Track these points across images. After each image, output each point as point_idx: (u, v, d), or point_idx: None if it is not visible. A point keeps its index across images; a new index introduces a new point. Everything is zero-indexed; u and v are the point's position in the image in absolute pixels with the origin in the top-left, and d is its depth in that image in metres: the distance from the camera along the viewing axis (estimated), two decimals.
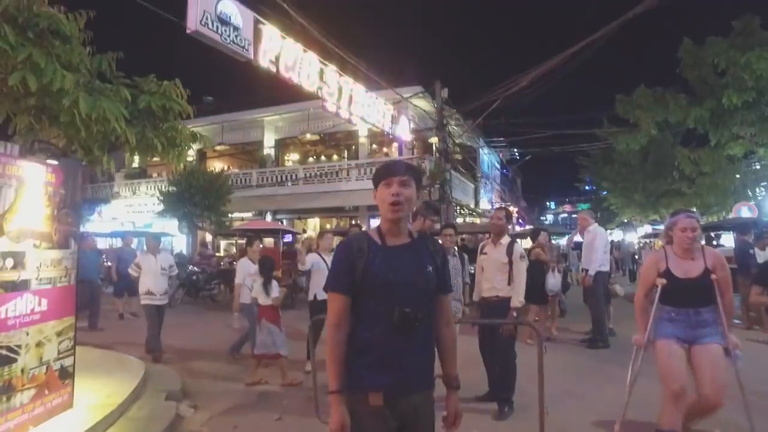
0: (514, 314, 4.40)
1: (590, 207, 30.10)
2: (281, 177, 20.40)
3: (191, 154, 22.40)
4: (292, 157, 23.22)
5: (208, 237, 20.04)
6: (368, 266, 1.81)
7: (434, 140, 16.87)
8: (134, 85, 5.91)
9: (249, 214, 21.14)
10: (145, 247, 8.23)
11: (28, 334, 3.48)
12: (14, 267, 3.35)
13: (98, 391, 4.37)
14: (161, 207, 18.21)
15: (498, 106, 13.43)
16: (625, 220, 27.64)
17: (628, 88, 15.30)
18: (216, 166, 22.80)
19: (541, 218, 43.31)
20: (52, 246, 3.69)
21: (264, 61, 8.46)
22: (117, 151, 6.24)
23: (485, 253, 4.67)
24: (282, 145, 22.21)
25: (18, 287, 3.39)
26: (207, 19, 7.07)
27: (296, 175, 20.15)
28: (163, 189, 18.18)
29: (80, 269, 8.53)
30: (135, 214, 21.85)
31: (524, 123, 17.62)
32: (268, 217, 20.62)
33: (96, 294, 9.20)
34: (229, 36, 7.53)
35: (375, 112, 12.59)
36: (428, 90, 16.50)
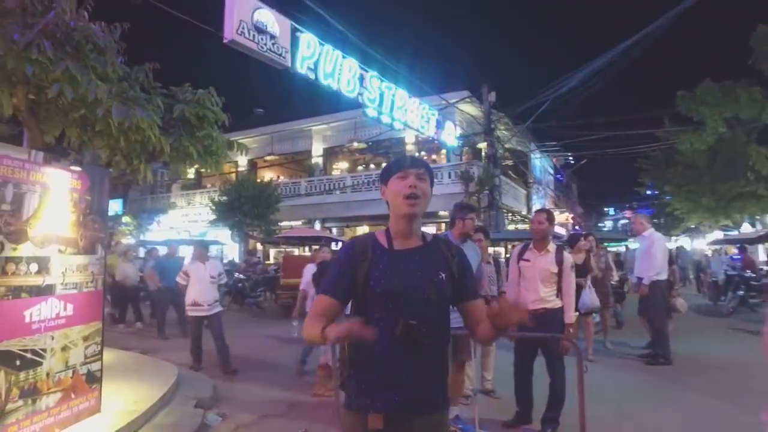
0: (571, 330, 4.07)
1: (653, 212, 28.36)
2: (329, 185, 20.59)
3: (242, 164, 23.16)
4: (340, 166, 23.41)
5: (259, 245, 20.51)
6: (371, 272, 1.64)
7: (483, 146, 16.44)
8: (170, 94, 6.04)
9: (298, 223, 21.46)
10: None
11: (53, 338, 3.52)
12: (38, 272, 3.39)
13: (128, 396, 4.39)
14: (214, 216, 18.81)
15: (549, 107, 12.89)
16: (692, 226, 25.71)
17: (691, 83, 14.16)
18: (267, 175, 23.41)
19: (599, 225, 40.96)
20: (78, 251, 3.72)
21: (302, 69, 8.50)
22: (156, 160, 6.38)
23: (527, 260, 4.28)
24: (330, 154, 22.44)
25: (43, 292, 3.43)
26: (243, 28, 7.17)
27: (344, 184, 20.28)
28: (215, 199, 18.78)
29: (164, 276, 8.93)
30: (190, 224, 22.73)
31: (577, 125, 16.79)
32: (317, 226, 20.85)
33: (179, 302, 8.37)
34: (265, 44, 7.60)
35: (418, 117, 12.39)
36: (476, 94, 16.15)
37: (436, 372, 1.66)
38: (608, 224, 49.98)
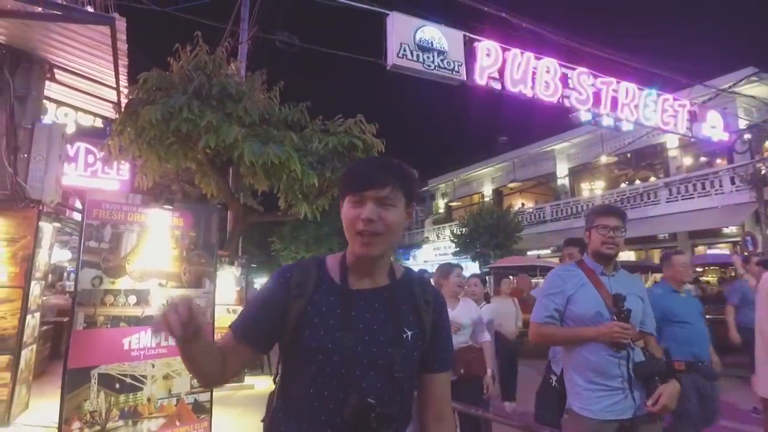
0: None
1: None
2: (576, 208, 18.34)
3: (487, 194, 22.92)
4: (589, 185, 20.72)
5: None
6: (309, 317, 1.14)
7: None
8: (325, 129, 6.22)
9: (547, 251, 19.73)
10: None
11: (153, 366, 3.76)
12: (137, 303, 3.70)
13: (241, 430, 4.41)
14: (457, 249, 18.93)
15: None
16: None
17: None
18: (514, 203, 22.60)
19: None
20: (181, 285, 3.95)
21: (482, 80, 7.72)
22: (324, 196, 6.56)
23: None
24: (575, 173, 20.09)
25: (142, 322, 3.72)
26: (405, 50, 6.95)
27: (592, 205, 17.72)
28: (455, 231, 18.95)
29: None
30: (440, 257, 23.51)
31: None
32: None
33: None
34: (433, 62, 7.18)
35: (658, 112, 9.73)
36: (765, 69, 11.92)
37: None
38: None
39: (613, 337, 2.15)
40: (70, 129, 7.56)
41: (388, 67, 6.96)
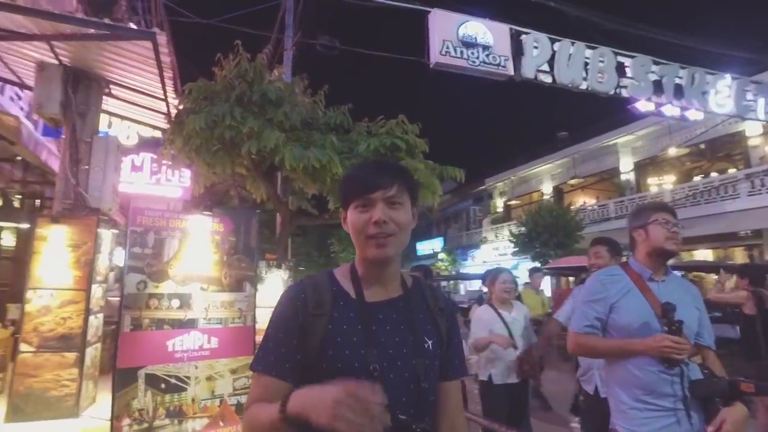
0: None
1: None
2: None
3: (547, 192, 22.10)
4: (657, 180, 19.41)
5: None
6: (331, 336, 1.10)
7: None
8: (369, 131, 6.19)
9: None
10: None
11: (197, 368, 3.87)
12: (180, 307, 3.83)
13: None
14: (516, 249, 18.35)
15: None
16: None
17: None
18: (577, 200, 21.65)
19: None
20: (222, 289, 4.05)
21: (530, 73, 7.41)
22: None
23: None
24: (641, 167, 18.87)
25: (185, 325, 3.84)
26: (448, 47, 6.81)
27: (661, 201, 16.58)
28: (514, 230, 18.39)
29: None
30: (500, 257, 22.89)
31: None
32: None
33: None
34: (477, 58, 6.99)
35: (732, 98, 8.92)
36: None
37: None
38: None
39: (663, 352, 1.91)
40: (133, 141, 8.07)
41: (431, 66, 6.84)
